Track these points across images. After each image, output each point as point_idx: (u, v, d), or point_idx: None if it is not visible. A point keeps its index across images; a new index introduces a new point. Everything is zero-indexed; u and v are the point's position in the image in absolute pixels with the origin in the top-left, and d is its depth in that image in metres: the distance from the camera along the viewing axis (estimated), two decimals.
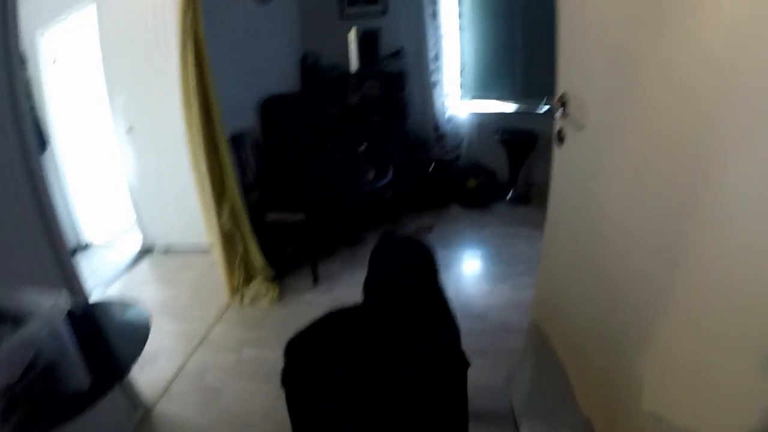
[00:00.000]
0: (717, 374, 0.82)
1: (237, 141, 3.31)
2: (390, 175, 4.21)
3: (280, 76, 4.35)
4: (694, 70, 0.83)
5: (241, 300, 3.14)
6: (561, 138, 1.55)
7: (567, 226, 1.58)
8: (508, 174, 4.64)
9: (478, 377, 2.36)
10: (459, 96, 4.78)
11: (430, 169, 4.60)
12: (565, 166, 1.58)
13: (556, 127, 1.57)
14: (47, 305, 1.11)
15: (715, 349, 0.82)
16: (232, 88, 3.28)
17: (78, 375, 1.17)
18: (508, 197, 4.66)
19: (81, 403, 1.14)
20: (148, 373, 2.45)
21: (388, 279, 1.68)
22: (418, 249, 1.76)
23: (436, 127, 4.81)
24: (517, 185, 4.62)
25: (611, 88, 1.19)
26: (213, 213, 2.98)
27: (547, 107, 1.40)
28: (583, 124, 1.37)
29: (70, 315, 1.21)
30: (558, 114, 1.52)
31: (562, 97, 1.49)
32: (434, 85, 4.68)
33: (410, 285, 1.62)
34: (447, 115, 4.77)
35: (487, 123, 4.74)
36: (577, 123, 1.41)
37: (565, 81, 1.52)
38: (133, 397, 2.21)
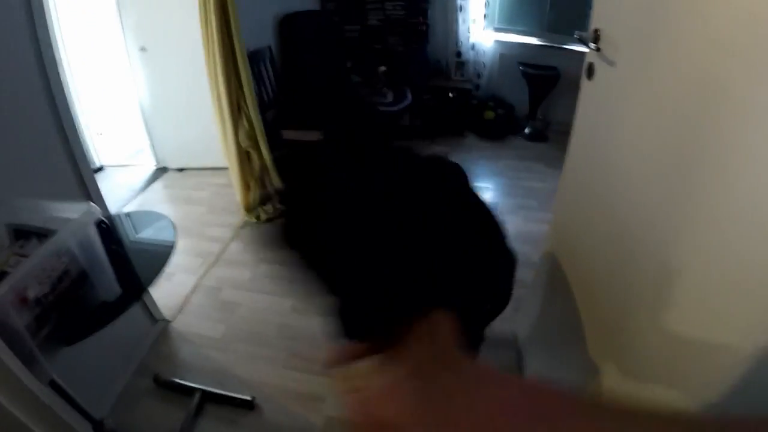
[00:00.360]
0: (727, 327, 0.83)
1: (255, 58, 3.24)
2: (408, 98, 4.15)
3: None
4: (724, 20, 0.81)
5: (257, 219, 3.17)
6: (591, 72, 1.53)
7: (587, 162, 1.58)
8: (527, 109, 4.56)
9: None
10: (484, 24, 4.60)
11: (450, 95, 4.52)
12: (593, 102, 1.56)
13: (587, 61, 1.54)
14: (76, 215, 1.12)
15: (726, 300, 0.83)
16: (251, 4, 3.18)
17: (106, 286, 1.21)
18: (526, 132, 4.60)
19: (108, 313, 1.19)
20: (166, 289, 2.51)
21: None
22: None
23: (458, 54, 4.68)
24: (536, 121, 4.56)
25: (643, 28, 1.16)
26: (230, 130, 2.95)
27: (577, 40, 1.35)
28: (614, 60, 1.34)
29: (99, 226, 1.23)
30: (591, 48, 1.49)
31: (596, 32, 1.46)
32: (459, 9, 4.51)
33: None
34: (470, 42, 4.62)
35: (511, 55, 4.61)
36: (608, 59, 1.38)
37: (600, 16, 1.47)
38: (152, 312, 2.28)
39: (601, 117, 1.47)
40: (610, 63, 1.37)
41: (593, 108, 1.55)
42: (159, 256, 1.41)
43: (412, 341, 0.36)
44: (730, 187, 0.81)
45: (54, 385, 1.14)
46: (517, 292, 2.39)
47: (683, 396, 0.92)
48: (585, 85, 1.59)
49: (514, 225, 3.10)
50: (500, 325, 2.29)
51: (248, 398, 1.93)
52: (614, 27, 1.36)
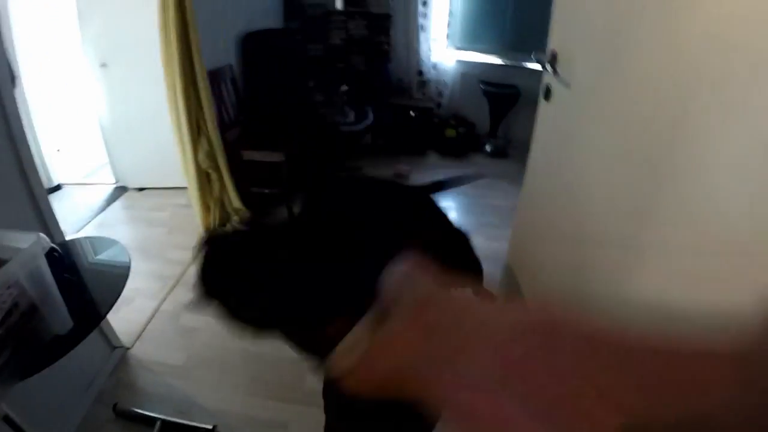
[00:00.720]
0: None
1: (215, 77, 3.20)
2: (370, 117, 4.19)
3: (262, 11, 4.20)
4: (695, 44, 0.84)
5: None
6: (548, 94, 1.56)
7: (545, 179, 1.61)
8: (488, 126, 4.64)
9: None
10: (445, 44, 4.70)
11: (412, 114, 4.57)
12: (549, 121, 1.60)
13: (544, 82, 1.58)
14: (26, 245, 1.08)
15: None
16: (212, 23, 3.16)
17: (59, 317, 1.16)
18: (487, 149, 4.67)
19: (63, 346, 1.14)
20: (125, 314, 2.43)
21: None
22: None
23: (420, 73, 4.76)
24: (497, 139, 4.64)
25: (603, 50, 1.19)
26: (189, 150, 2.91)
27: (535, 62, 1.38)
28: (569, 82, 1.38)
29: (49, 255, 1.18)
30: (547, 70, 1.52)
31: (553, 54, 1.49)
32: (421, 29, 4.59)
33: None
34: (432, 61, 4.71)
35: (472, 74, 4.70)
36: (565, 81, 1.42)
37: (557, 39, 1.52)
38: (109, 339, 2.21)
39: (558, 136, 1.51)
40: (566, 85, 1.40)
41: (549, 128, 1.59)
42: (113, 284, 1.36)
43: (390, 291, 0.34)
44: (675, 205, 0.84)
45: (8, 421, 1.09)
46: None
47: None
48: (542, 106, 1.62)
49: (476, 243, 3.10)
50: None
51: (209, 427, 1.88)
52: (572, 49, 1.40)
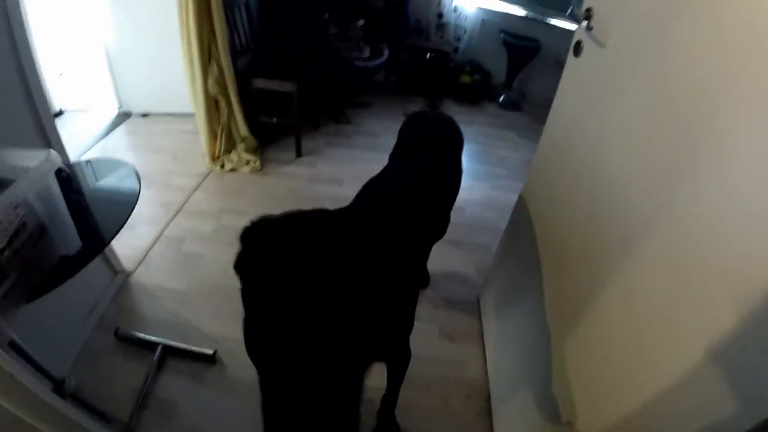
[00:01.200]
0: (687, 315, 0.85)
1: (230, 1, 3.08)
2: (386, 55, 4.09)
3: None
4: (734, 34, 0.81)
5: (222, 167, 3.11)
6: (578, 50, 1.51)
7: (567, 134, 1.58)
8: (504, 77, 4.54)
9: (451, 264, 2.51)
10: None
11: (428, 56, 4.46)
12: (576, 78, 1.55)
13: (576, 38, 1.52)
14: (35, 163, 1.05)
15: (688, 289, 0.85)
16: None
17: (67, 239, 1.15)
18: (500, 100, 4.59)
19: (69, 268, 1.14)
20: (127, 239, 2.43)
21: (414, 149, 1.73)
22: (447, 124, 1.87)
23: (440, 15, 4.61)
24: (511, 90, 4.56)
25: (646, 18, 1.14)
26: (199, 76, 2.84)
27: (568, 19, 1.34)
28: (604, 42, 1.33)
29: (58, 175, 1.16)
30: (581, 25, 1.47)
31: (588, 10, 1.44)
32: None
33: (434, 157, 1.72)
34: (453, 4, 4.55)
35: (493, 22, 4.56)
36: (598, 40, 1.37)
37: None
38: (112, 264, 2.21)
39: (583, 93, 1.47)
40: (600, 44, 1.35)
41: (576, 85, 1.55)
42: (121, 207, 1.34)
43: None
44: (715, 183, 0.81)
45: (14, 346, 1.09)
46: (484, 258, 2.46)
47: (641, 374, 0.95)
48: (571, 61, 1.57)
49: (482, 192, 3.13)
50: (466, 290, 2.36)
51: (210, 352, 1.91)
52: (609, 8, 1.34)
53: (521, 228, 1.86)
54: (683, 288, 0.86)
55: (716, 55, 0.85)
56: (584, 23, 1.44)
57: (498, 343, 1.93)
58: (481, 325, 2.15)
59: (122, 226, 1.28)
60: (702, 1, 0.91)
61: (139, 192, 1.42)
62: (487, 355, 2.01)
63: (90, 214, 1.35)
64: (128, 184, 1.47)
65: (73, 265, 1.14)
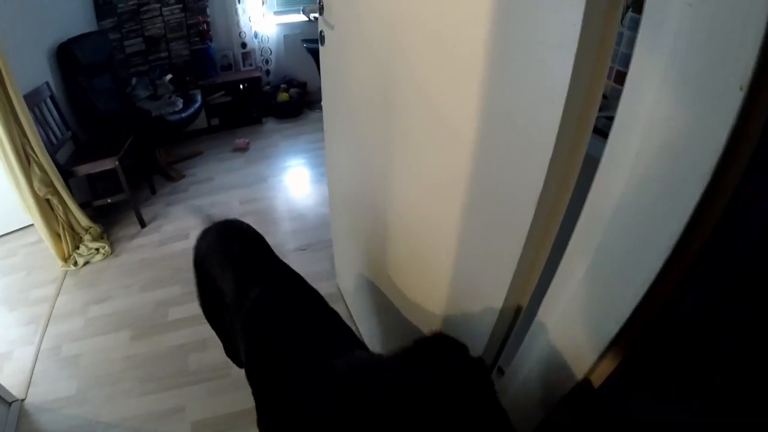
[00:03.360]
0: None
1: (34, 98, 3.04)
2: (198, 101, 4.20)
3: (71, 18, 3.94)
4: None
5: (75, 265, 3.07)
6: (322, 39, 1.72)
7: (336, 114, 1.80)
8: (319, 82, 4.75)
9: (309, 268, 2.65)
10: (263, 11, 4.72)
11: (242, 87, 4.62)
12: (327, 61, 1.77)
13: (319, 29, 1.72)
14: None
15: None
16: (19, 44, 2.98)
17: None
18: (320, 104, 4.80)
19: None
20: (9, 369, 2.41)
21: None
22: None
23: (243, 45, 4.76)
24: None
25: None
26: (23, 182, 2.79)
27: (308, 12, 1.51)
28: (333, 24, 1.55)
29: None
30: (315, 18, 1.69)
31: (320, 2, 1.65)
32: (237, 2, 4.58)
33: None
34: (252, 31, 4.72)
35: (294, 34, 4.78)
36: (329, 24, 1.59)
37: None
38: (2, 397, 2.16)
39: (334, 72, 1.70)
40: (331, 27, 1.57)
41: (329, 66, 1.76)
42: None
43: None
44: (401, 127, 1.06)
45: None
46: (327, 251, 2.64)
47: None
48: (321, 51, 1.78)
49: (318, 192, 3.38)
50: (328, 284, 2.54)
51: None
52: None
53: (336, 202, 2.09)
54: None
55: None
56: (319, 15, 1.67)
57: (363, 316, 2.10)
58: (347, 307, 2.34)
59: None
60: None
61: None
62: (362, 332, 2.16)
63: None
64: None
65: None
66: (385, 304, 1.63)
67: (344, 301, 2.36)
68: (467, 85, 0.81)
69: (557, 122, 0.64)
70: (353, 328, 2.15)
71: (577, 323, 0.73)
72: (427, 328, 1.27)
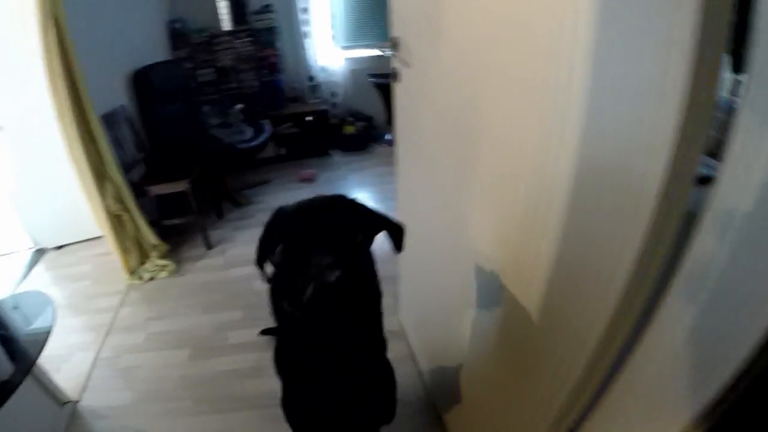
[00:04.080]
0: None
1: (110, 120, 3.25)
2: (267, 131, 4.32)
3: (149, 46, 4.23)
4: (476, 17, 1.05)
5: (140, 279, 3.19)
6: (395, 76, 1.75)
7: (409, 151, 1.83)
8: (385, 116, 4.86)
9: None
10: (331, 46, 4.88)
11: (309, 119, 4.75)
12: (402, 99, 1.79)
13: (392, 66, 1.76)
14: None
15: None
16: (99, 68, 3.18)
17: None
18: (386, 138, 4.90)
19: (3, 393, 1.26)
20: (67, 371, 2.49)
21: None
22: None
23: (311, 78, 4.91)
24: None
25: (423, 30, 1.40)
26: (97, 198, 2.95)
27: (378, 47, 1.55)
28: (409, 62, 1.58)
29: None
30: (392, 55, 1.72)
31: (394, 40, 1.68)
32: (305, 36, 4.76)
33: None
34: (320, 65, 4.87)
35: (361, 69, 4.90)
36: (405, 61, 1.62)
37: (396, 25, 1.69)
38: (57, 397, 2.25)
39: (409, 110, 1.72)
40: (407, 65, 1.60)
41: (403, 104, 1.78)
42: (41, 335, 1.49)
43: None
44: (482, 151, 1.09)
45: None
46: (396, 286, 2.63)
47: None
48: (395, 88, 1.81)
49: None
50: (388, 320, 2.52)
51: None
52: (407, 32, 1.59)
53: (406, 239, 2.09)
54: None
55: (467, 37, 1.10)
56: (394, 52, 1.69)
57: (425, 356, 2.08)
58: (408, 344, 2.31)
59: (40, 352, 1.41)
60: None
61: (53, 322, 1.55)
62: (422, 370, 2.13)
63: (14, 345, 1.47)
64: (44, 316, 1.60)
65: (6, 391, 1.27)
66: (451, 347, 1.61)
67: (406, 338, 2.33)
68: (563, 136, 0.80)
69: (660, 173, 0.62)
70: (411, 365, 2.21)
71: (670, 383, 0.69)
72: (496, 377, 1.27)
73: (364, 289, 1.03)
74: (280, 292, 1.04)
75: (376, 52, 4.79)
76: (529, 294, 1.00)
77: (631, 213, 0.68)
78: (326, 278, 0.88)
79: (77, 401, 2.33)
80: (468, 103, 1.15)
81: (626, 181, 0.69)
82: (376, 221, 1.10)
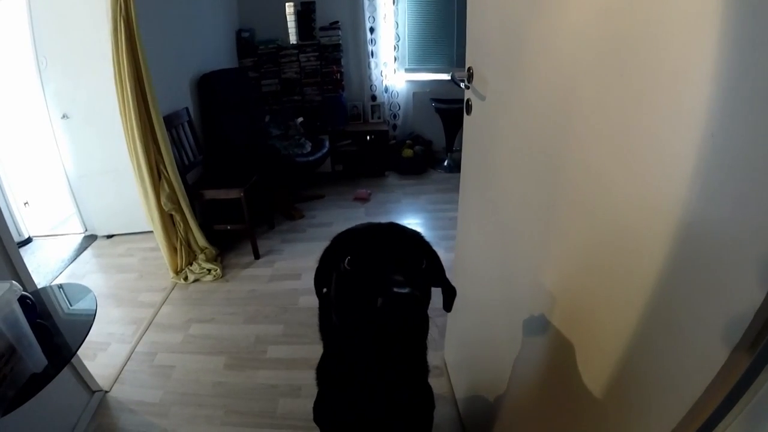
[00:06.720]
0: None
1: (172, 121, 3.31)
2: (326, 146, 4.33)
3: (216, 53, 4.34)
4: (564, 45, 0.96)
5: (185, 279, 3.20)
6: (468, 108, 1.69)
7: (475, 185, 1.74)
8: (444, 142, 4.81)
9: None
10: (395, 67, 4.89)
11: (368, 138, 4.74)
12: (473, 133, 1.72)
13: (466, 98, 1.69)
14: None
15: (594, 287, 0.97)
16: (166, 69, 3.28)
17: (34, 357, 1.25)
18: (445, 164, 4.83)
19: (38, 383, 1.23)
20: (102, 359, 2.49)
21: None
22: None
23: (373, 98, 4.94)
24: (453, 153, 4.80)
25: (503, 62, 1.32)
26: (152, 194, 3.00)
27: (458, 80, 1.50)
28: (484, 95, 1.50)
29: (23, 302, 1.27)
30: (466, 86, 1.66)
31: (469, 71, 1.62)
32: (370, 56, 4.79)
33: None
34: (383, 85, 4.89)
35: (423, 92, 4.90)
36: (480, 94, 1.54)
37: (471, 56, 1.63)
38: (88, 384, 2.25)
39: (480, 145, 1.64)
40: (481, 98, 1.53)
41: (474, 137, 1.71)
42: (82, 326, 1.45)
43: None
44: (569, 194, 0.98)
45: None
46: (444, 320, 2.53)
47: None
48: (466, 120, 1.75)
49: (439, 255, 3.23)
50: (432, 355, 2.41)
51: None
52: (482, 63, 1.52)
53: (460, 275, 1.99)
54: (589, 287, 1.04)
55: (552, 68, 1.02)
56: (463, 84, 1.63)
57: (466, 396, 1.98)
58: (450, 382, 2.21)
59: (80, 345, 1.38)
60: (533, 28, 1.09)
61: (95, 314, 1.53)
62: (460, 410, 2.05)
63: (54, 335, 1.44)
64: (87, 305, 1.58)
65: (42, 380, 1.23)
66: (498, 393, 1.52)
67: (448, 375, 2.25)
68: (659, 197, 0.69)
69: None
70: (451, 403, 2.11)
71: None
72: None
73: (424, 312, 1.00)
74: (342, 302, 0.99)
75: (440, 76, 4.78)
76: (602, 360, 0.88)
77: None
78: (399, 291, 0.85)
79: (107, 391, 2.33)
80: (552, 145, 1.04)
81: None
82: (439, 271, 1.14)
